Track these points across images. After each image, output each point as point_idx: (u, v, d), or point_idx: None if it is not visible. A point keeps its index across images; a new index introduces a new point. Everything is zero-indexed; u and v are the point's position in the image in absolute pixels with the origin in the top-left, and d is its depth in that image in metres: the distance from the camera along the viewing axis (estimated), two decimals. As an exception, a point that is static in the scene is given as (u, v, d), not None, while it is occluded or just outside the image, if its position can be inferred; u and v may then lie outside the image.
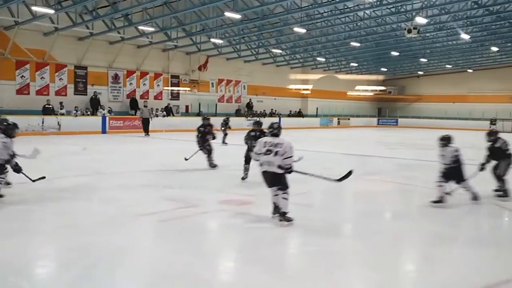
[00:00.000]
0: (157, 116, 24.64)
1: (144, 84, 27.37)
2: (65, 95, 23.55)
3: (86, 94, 24.46)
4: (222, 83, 32.03)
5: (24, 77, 22.15)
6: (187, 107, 29.70)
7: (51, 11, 18.91)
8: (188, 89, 29.69)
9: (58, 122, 21.17)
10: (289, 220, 5.96)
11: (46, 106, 21.72)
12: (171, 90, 28.85)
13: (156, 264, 4.52)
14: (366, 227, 6.16)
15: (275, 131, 6.27)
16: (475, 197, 7.48)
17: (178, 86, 29.26)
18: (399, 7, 21.31)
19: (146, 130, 21.86)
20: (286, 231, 5.78)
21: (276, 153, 5.98)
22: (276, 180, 6.04)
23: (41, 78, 22.71)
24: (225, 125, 18.43)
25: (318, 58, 33.37)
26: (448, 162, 7.31)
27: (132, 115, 25.18)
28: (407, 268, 4.96)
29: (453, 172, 7.30)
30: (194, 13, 21.60)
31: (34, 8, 18.86)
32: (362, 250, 5.19)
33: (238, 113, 30.98)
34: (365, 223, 6.43)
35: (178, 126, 25.01)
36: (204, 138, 10.86)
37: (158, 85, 28.16)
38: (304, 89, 37.29)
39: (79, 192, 7.92)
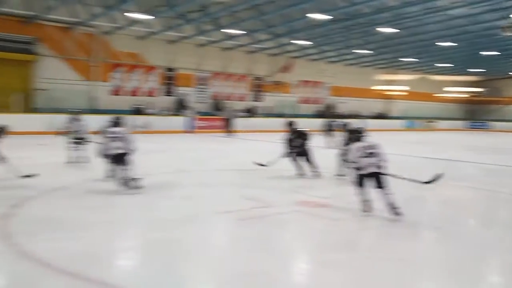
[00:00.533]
0: (239, 116, 25.16)
1: (229, 85, 28.08)
2: (155, 95, 24.81)
3: (174, 95, 25.58)
4: (305, 84, 32.00)
5: (119, 78, 23.63)
6: (269, 108, 30.00)
7: (146, 17, 20.01)
8: (271, 90, 30.01)
9: (147, 122, 22.30)
10: (400, 213, 6.15)
11: (136, 106, 23.00)
12: (255, 91, 29.31)
13: (233, 261, 4.66)
14: (449, 234, 5.91)
15: (363, 134, 6.91)
16: None
17: (262, 88, 29.66)
18: (495, 4, 20.05)
19: (229, 130, 22.48)
20: (362, 235, 5.72)
21: (376, 154, 6.43)
22: (380, 179, 6.34)
23: (133, 80, 24.10)
24: (330, 127, 18.02)
25: (405, 59, 32.24)
26: None
27: (216, 116, 25.90)
28: (492, 280, 4.69)
29: None
30: (280, 15, 21.80)
31: (130, 15, 20.05)
32: (444, 258, 4.98)
33: (320, 115, 30.75)
34: (448, 230, 6.16)
35: (260, 127, 25.34)
36: (291, 145, 10.38)
37: (242, 86, 28.74)
38: (389, 90, 36.22)
39: (163, 189, 8.33)
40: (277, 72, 30.11)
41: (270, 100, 30.04)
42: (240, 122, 23.89)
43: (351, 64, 33.35)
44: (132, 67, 24.05)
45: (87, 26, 21.48)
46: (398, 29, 23.75)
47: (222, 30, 23.27)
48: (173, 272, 4.32)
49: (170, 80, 25.56)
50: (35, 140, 15.33)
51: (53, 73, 21.35)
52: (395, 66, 35.24)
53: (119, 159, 7.69)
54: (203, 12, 20.57)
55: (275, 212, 6.81)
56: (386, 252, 5.16)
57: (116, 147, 7.73)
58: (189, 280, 4.23)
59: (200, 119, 24.59)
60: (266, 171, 10.44)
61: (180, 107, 25.01)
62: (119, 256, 4.94)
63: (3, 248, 4.74)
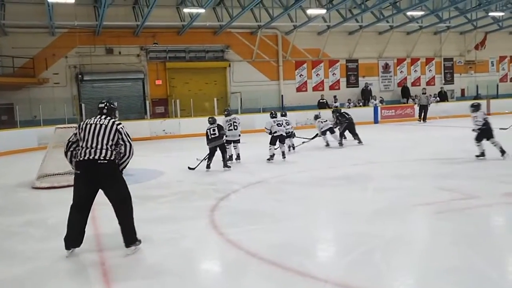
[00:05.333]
0: (431, 102, 23.73)
1: (415, 70, 26.77)
2: (338, 88, 24.95)
3: (358, 86, 25.39)
4: (505, 60, 28.70)
5: (302, 75, 24.40)
6: (462, 90, 27.71)
7: (323, 11, 20.23)
8: (463, 71, 27.70)
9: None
10: None
11: (320, 100, 23.39)
12: (444, 74, 27.39)
13: (435, 256, 4.38)
14: None
15: None
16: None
17: (452, 69, 27.55)
18: None
19: (423, 117, 21.70)
20: None
21: None
22: None
23: (316, 75, 24.63)
24: None
25: None
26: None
27: (404, 103, 24.94)
28: None
29: None
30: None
31: (308, 11, 20.50)
32: None
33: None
34: None
35: (452, 112, 23.52)
36: None
37: (430, 70, 27.11)
38: None
39: (354, 181, 8.28)
40: (469, 51, 27.64)
41: (462, 81, 27.73)
42: (430, 108, 22.53)
43: None
44: (315, 63, 24.56)
45: (269, 28, 22.60)
46: None
47: (403, 14, 22.21)
48: (371, 264, 4.24)
49: (353, 71, 25.42)
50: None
51: (242, 77, 23.03)
52: None
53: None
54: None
55: (478, 204, 6.23)
56: None
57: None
58: (390, 273, 4.08)
59: (387, 108, 23.87)
60: (463, 159, 9.69)
61: (365, 98, 24.69)
62: (316, 247, 5.02)
63: (216, 237, 5.26)
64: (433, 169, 9.11)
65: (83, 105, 19.20)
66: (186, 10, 18.94)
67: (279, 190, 7.87)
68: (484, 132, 9.48)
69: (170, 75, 22.23)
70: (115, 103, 5.19)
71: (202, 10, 17.95)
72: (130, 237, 4.74)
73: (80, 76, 20.51)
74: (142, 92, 21.85)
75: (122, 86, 21.45)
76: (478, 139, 9.57)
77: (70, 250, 4.73)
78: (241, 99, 22.19)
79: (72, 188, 4.78)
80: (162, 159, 12.85)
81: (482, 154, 9.57)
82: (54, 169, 9.20)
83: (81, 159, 4.65)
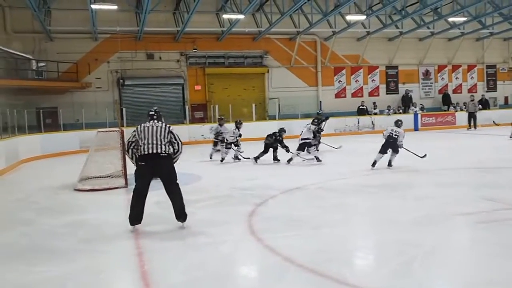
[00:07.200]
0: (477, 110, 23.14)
1: (456, 77, 26.16)
2: (378, 95, 24.64)
3: (398, 93, 25.01)
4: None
5: (341, 81, 24.23)
6: (506, 98, 26.86)
7: (363, 17, 20.06)
8: (507, 78, 26.86)
9: (372, 122, 22.24)
10: None
11: (360, 107, 23.16)
12: (487, 81, 26.64)
13: (474, 268, 4.27)
14: None
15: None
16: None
17: (495, 77, 26.77)
18: None
19: (473, 125, 21.59)
20: None
21: None
22: None
23: (355, 81, 24.41)
24: None
25: None
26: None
27: (445, 111, 24.39)
28: None
29: None
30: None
31: (348, 17, 20.37)
32: None
33: None
34: None
35: (495, 120, 22.82)
36: None
37: (472, 77, 26.43)
38: None
39: (393, 189, 8.13)
40: (513, 57, 26.83)
41: (505, 89, 26.93)
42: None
43: None
44: (355, 69, 24.36)
45: (308, 34, 22.57)
46: None
47: (444, 20, 21.75)
48: (410, 274, 4.15)
49: (392, 77, 25.06)
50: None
51: (281, 82, 23.07)
52: None
53: None
54: (421, 3, 19.54)
55: (525, 215, 6.01)
56: None
57: None
58: (427, 283, 3.98)
59: (428, 116, 23.40)
60: (508, 168, 9.35)
61: (405, 105, 24.29)
62: (355, 255, 4.96)
63: (253, 243, 5.27)
64: (475, 178, 8.87)
65: (124, 109, 19.65)
66: (225, 16, 19.14)
67: (318, 196, 7.81)
68: (390, 145, 10.30)
69: (209, 80, 22.51)
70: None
71: (241, 16, 18.10)
72: (184, 214, 5.82)
73: (121, 80, 21.00)
74: (182, 97, 22.19)
75: (162, 91, 21.87)
76: (382, 151, 10.33)
77: (134, 227, 5.73)
78: (279, 105, 22.24)
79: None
80: (200, 164, 12.97)
81: (375, 163, 10.30)
82: (95, 172, 9.46)
83: (146, 153, 5.69)
